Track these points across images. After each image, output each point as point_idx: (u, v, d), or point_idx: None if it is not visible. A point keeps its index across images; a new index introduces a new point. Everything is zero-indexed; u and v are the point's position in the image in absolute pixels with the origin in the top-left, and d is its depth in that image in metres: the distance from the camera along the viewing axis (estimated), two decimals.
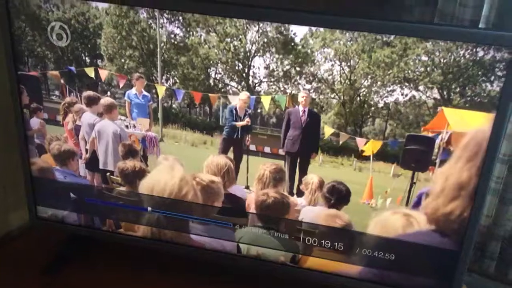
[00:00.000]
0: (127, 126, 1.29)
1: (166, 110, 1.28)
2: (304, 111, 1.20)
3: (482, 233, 1.65)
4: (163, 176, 1.24)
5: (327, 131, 1.20)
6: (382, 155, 1.17)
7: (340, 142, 1.21)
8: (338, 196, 1.21)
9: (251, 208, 1.28)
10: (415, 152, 1.12)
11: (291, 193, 1.27)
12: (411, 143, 1.12)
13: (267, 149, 1.29)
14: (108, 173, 1.33)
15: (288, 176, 1.27)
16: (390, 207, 1.19)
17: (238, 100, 1.23)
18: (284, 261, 1.30)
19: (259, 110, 1.24)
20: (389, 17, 1.60)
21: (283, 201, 1.25)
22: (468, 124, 1.06)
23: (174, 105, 1.28)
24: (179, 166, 1.26)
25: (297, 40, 1.14)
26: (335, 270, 1.27)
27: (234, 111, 1.26)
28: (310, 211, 1.26)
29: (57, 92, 1.30)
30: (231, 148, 1.29)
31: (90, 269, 1.41)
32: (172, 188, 1.23)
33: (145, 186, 1.26)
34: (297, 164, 1.25)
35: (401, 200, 1.18)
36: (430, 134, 1.10)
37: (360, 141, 1.18)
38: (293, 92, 1.19)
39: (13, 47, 1.22)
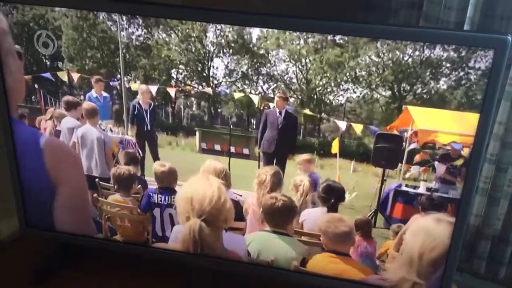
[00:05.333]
0: (104, 130, 1.30)
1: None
2: (280, 112, 1.21)
3: (471, 233, 1.65)
4: (201, 186, 1.13)
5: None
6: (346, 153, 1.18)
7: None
8: (335, 194, 1.20)
9: (248, 212, 1.26)
10: (384, 150, 1.14)
11: None
12: (381, 142, 1.13)
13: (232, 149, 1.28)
14: (96, 179, 1.33)
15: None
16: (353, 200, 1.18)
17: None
18: (297, 266, 1.21)
19: (219, 110, 1.24)
20: (375, 21, 1.63)
21: (291, 204, 1.21)
22: (433, 122, 1.07)
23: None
24: (212, 176, 1.19)
25: (253, 41, 1.15)
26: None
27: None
28: (310, 213, 1.25)
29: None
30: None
31: (81, 277, 1.41)
32: (212, 196, 1.10)
33: (183, 197, 1.14)
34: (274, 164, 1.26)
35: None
36: (395, 132, 1.11)
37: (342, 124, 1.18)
38: (267, 93, 1.19)
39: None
